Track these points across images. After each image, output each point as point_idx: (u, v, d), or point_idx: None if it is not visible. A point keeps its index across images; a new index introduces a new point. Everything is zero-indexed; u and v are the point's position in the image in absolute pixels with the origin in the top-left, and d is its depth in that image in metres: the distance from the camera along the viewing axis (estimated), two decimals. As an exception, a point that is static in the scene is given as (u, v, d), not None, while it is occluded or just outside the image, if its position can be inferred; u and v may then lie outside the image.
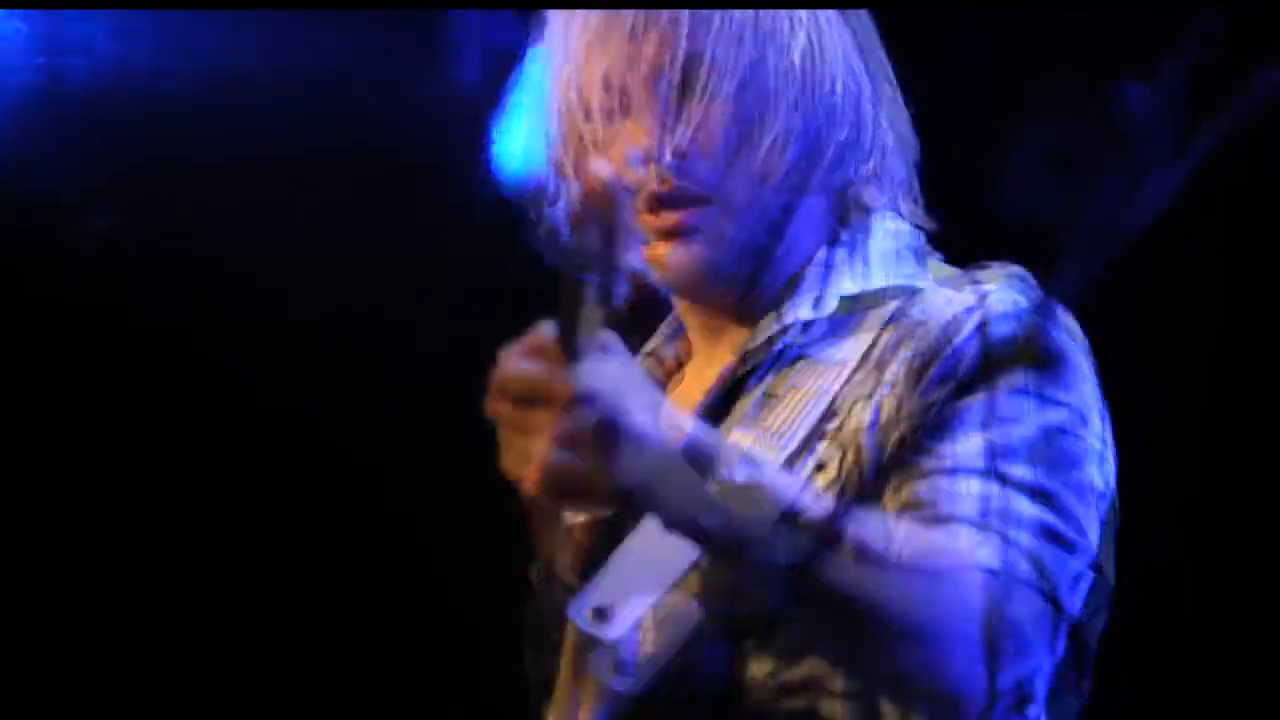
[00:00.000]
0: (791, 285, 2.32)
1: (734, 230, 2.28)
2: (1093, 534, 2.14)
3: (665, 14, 2.28)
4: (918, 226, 2.38)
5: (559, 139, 2.34)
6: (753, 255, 2.31)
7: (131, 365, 4.57)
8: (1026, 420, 2.13)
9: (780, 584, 1.92)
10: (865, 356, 2.25)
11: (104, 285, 4.47)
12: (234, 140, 4.44)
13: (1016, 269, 2.27)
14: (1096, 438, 2.18)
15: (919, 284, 2.31)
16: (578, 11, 2.32)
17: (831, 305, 2.30)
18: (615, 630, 2.17)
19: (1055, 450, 2.13)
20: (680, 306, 2.41)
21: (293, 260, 4.40)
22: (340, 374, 4.49)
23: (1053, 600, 2.07)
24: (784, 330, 2.29)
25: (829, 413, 2.21)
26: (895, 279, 2.32)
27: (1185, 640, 3.80)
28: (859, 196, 2.35)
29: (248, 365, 4.54)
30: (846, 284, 2.31)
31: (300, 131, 4.37)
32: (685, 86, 2.28)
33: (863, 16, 2.38)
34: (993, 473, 2.09)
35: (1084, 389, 2.19)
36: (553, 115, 2.35)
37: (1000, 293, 2.21)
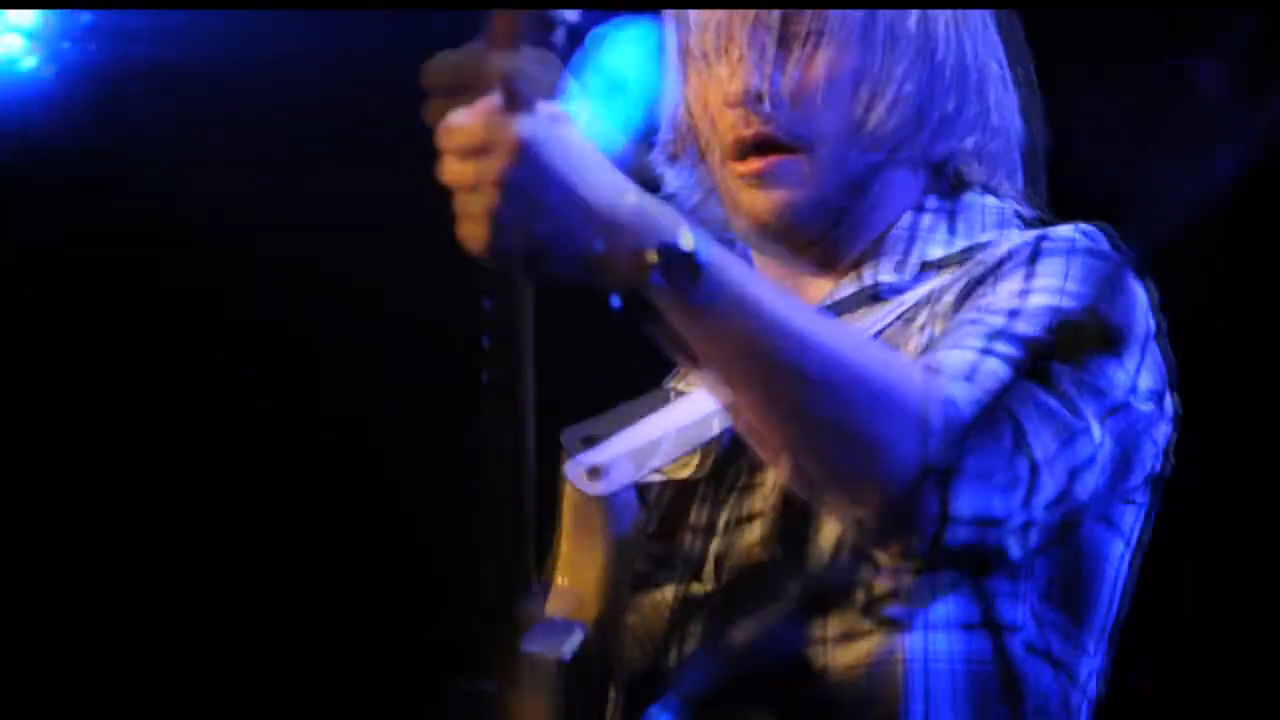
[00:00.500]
0: (875, 247, 2.31)
1: (819, 184, 2.27)
2: (1095, 427, 2.08)
3: None
4: (1017, 212, 2.36)
5: (676, 83, 2.35)
6: (836, 212, 2.29)
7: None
8: (1054, 304, 2.11)
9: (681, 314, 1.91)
10: (928, 295, 2.24)
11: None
12: (298, 129, 4.47)
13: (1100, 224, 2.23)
14: (1131, 357, 2.14)
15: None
16: None
17: (913, 271, 2.29)
18: (605, 488, 2.19)
19: (1074, 338, 2.10)
20: (758, 259, 2.38)
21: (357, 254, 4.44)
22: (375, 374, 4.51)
23: (1027, 454, 2.01)
24: (862, 291, 2.29)
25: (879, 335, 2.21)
26: (977, 241, 2.30)
27: (1185, 641, 3.81)
28: (958, 169, 2.33)
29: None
30: (931, 250, 2.30)
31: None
32: (787, 35, 2.28)
33: None
34: (1002, 333, 2.07)
35: (1130, 315, 2.15)
36: (670, 59, 2.35)
37: (1067, 226, 2.21)
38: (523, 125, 1.85)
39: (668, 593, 2.25)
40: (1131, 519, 2.23)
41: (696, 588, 2.24)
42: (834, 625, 2.13)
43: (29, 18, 4.56)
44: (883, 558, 2.04)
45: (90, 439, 4.64)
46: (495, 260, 1.87)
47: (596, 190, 1.88)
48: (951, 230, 2.31)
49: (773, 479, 2.20)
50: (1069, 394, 2.05)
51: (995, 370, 2.02)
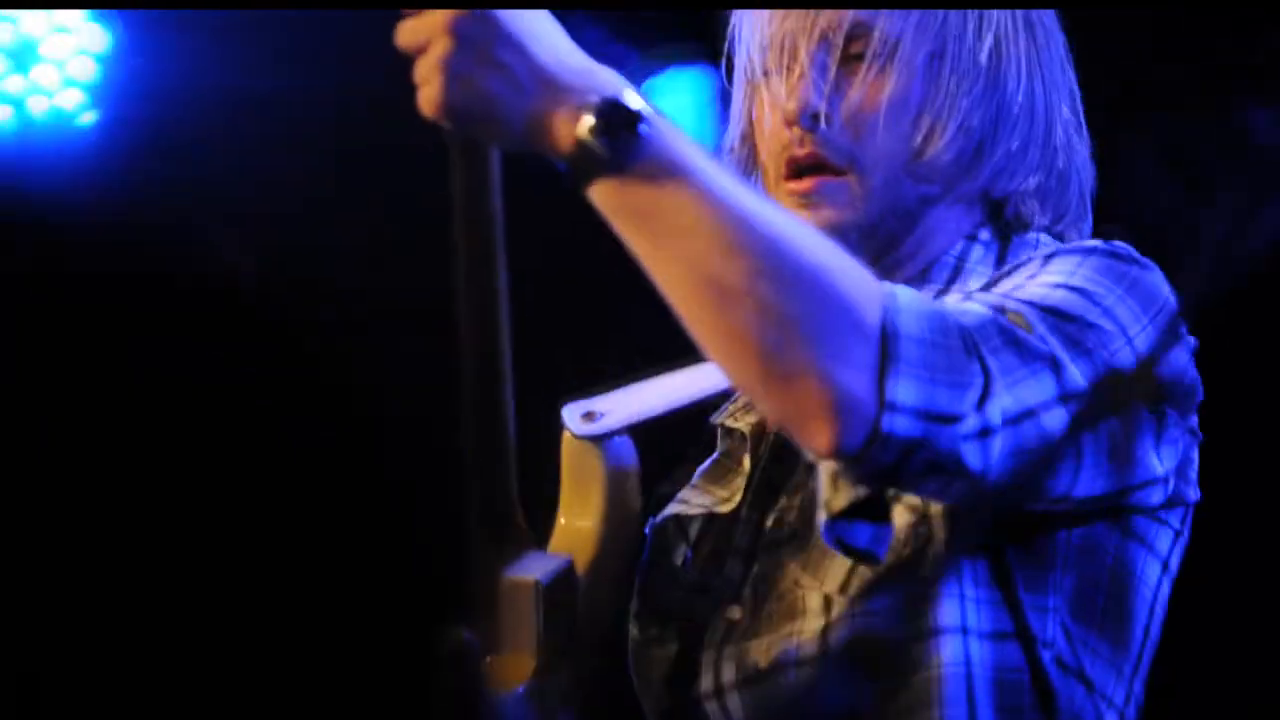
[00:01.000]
0: (921, 276, 2.28)
1: (867, 209, 2.25)
2: (1070, 367, 2.00)
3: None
4: None
5: (738, 94, 2.35)
6: (884, 239, 2.26)
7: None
8: (1064, 281, 2.08)
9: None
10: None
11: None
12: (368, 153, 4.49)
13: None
14: (1139, 333, 2.07)
15: None
16: None
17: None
18: (596, 428, 2.19)
19: (1067, 308, 2.05)
20: None
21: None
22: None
23: (980, 361, 1.94)
24: None
25: None
26: None
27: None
28: (1019, 211, 2.31)
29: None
30: (974, 286, 2.26)
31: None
32: (850, 57, 2.26)
33: (1053, 37, 2.33)
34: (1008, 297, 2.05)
35: (1147, 301, 2.07)
36: (737, 69, 2.34)
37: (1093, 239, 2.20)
38: None
39: (706, 618, 2.25)
40: (1166, 542, 2.20)
41: (734, 612, 2.24)
42: (868, 638, 2.11)
43: (89, 72, 4.59)
44: (827, 459, 1.91)
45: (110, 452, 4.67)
46: (447, 118, 1.88)
47: (544, 46, 1.89)
48: (998, 269, 2.27)
49: (806, 498, 2.19)
50: (1043, 334, 2.00)
51: (965, 306, 2.00)
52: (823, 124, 2.25)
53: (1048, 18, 2.34)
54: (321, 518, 4.66)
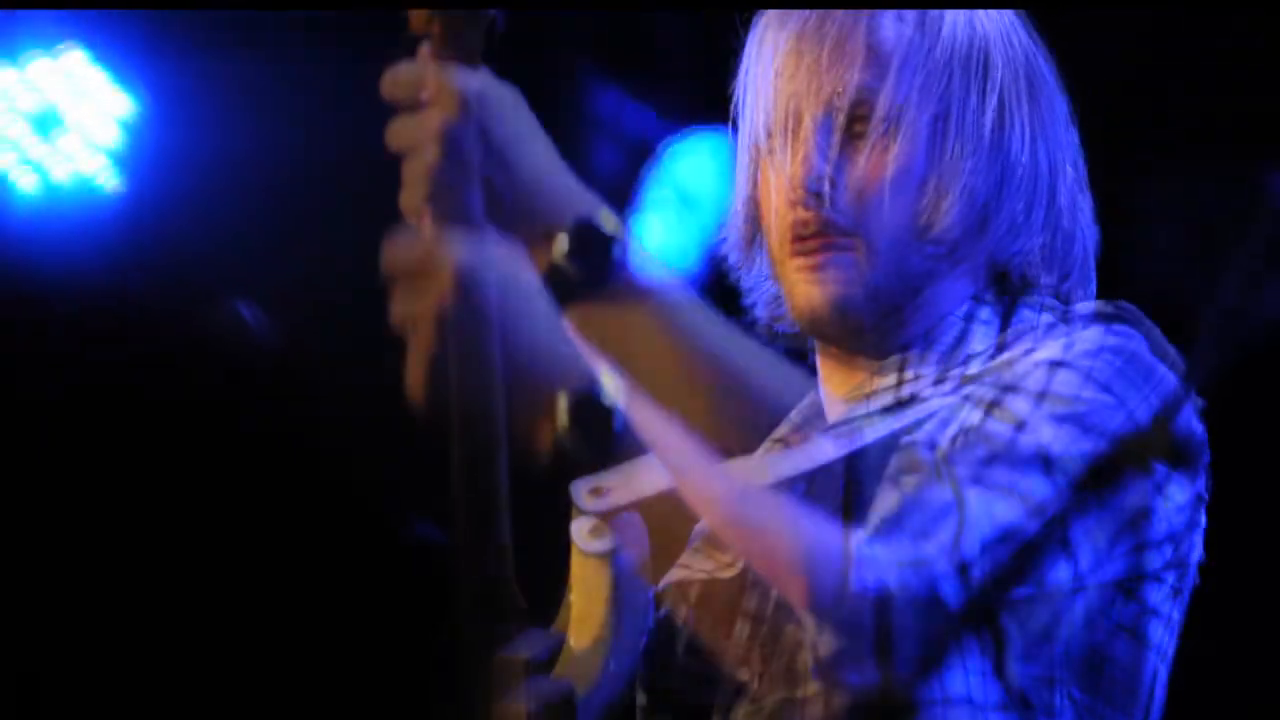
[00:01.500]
0: (921, 344, 2.26)
1: (873, 278, 2.23)
2: (1048, 432, 2.02)
3: (858, 49, 2.24)
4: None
5: (742, 158, 2.33)
6: (888, 307, 2.24)
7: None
8: (1061, 356, 2.08)
9: None
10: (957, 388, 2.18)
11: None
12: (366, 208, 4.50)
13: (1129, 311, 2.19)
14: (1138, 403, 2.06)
15: None
16: (781, 32, 2.28)
17: (952, 385, 2.20)
18: (602, 505, 2.14)
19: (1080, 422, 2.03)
20: (816, 341, 2.33)
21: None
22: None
23: (950, 483, 1.97)
24: (894, 393, 2.23)
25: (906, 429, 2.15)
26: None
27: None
28: (1024, 271, 2.28)
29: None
30: (974, 365, 2.22)
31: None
32: (855, 124, 2.25)
33: (1056, 96, 2.31)
34: (979, 399, 2.06)
35: (1136, 395, 2.07)
36: (742, 134, 2.33)
37: (1093, 330, 2.15)
38: (462, 255, 1.88)
39: (714, 682, 2.23)
40: (1169, 602, 2.16)
41: (742, 673, 2.21)
42: (873, 704, 2.09)
43: (112, 138, 4.61)
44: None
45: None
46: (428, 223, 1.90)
47: (528, 164, 1.93)
48: (1001, 331, 2.25)
49: None
50: (1035, 424, 2.01)
51: (947, 420, 2.05)
52: (828, 194, 2.23)
53: (1050, 76, 2.33)
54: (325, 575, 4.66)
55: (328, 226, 4.52)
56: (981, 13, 2.29)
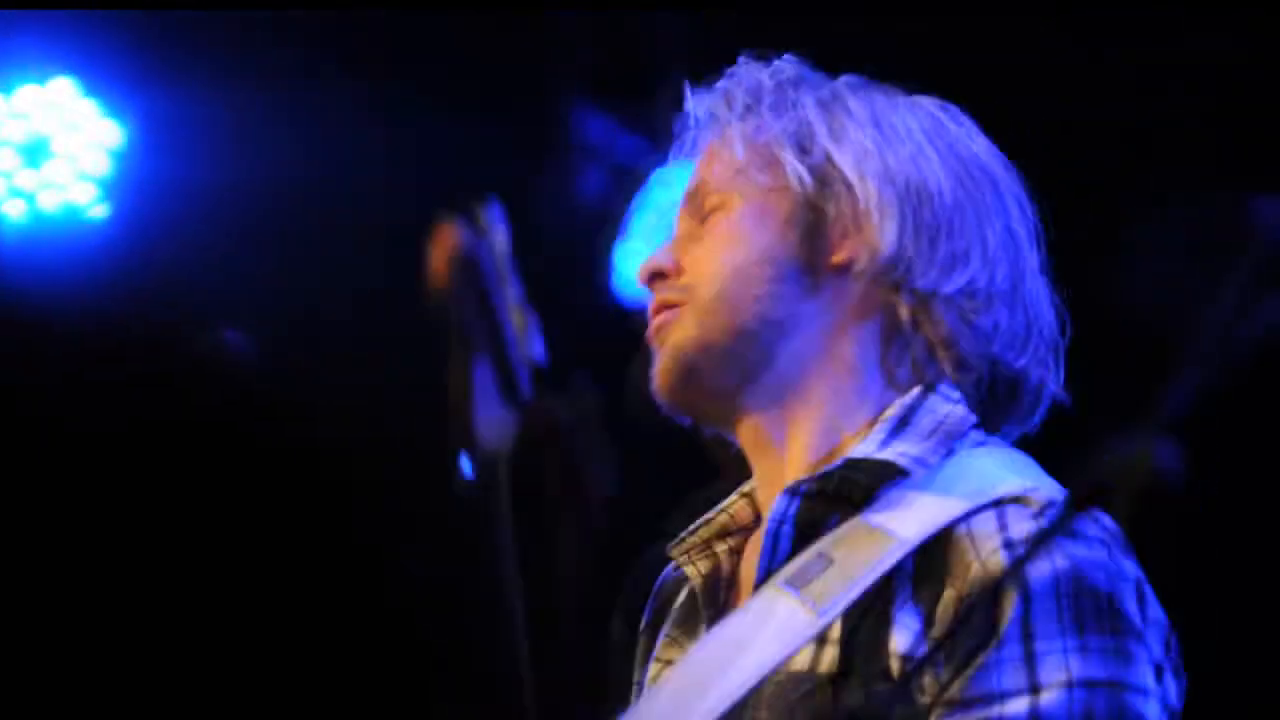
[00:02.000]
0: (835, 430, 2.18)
1: (704, 328, 2.20)
2: None
3: (720, 138, 2.26)
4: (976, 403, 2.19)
5: None
6: (728, 358, 2.19)
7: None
8: (1068, 686, 1.95)
9: None
10: (911, 562, 2.03)
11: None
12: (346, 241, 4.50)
13: (1061, 500, 2.02)
14: (1148, 677, 1.99)
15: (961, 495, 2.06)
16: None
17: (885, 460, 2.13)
18: None
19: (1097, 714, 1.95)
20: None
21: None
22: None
23: None
24: (829, 475, 2.12)
25: (858, 612, 2.02)
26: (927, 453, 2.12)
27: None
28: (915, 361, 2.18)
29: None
30: (903, 446, 2.13)
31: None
32: (694, 208, 2.27)
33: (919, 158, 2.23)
34: None
35: (1131, 629, 1.99)
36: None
37: (1044, 561, 1.99)
38: None
39: None
40: None
41: None
42: None
43: (102, 168, 4.61)
44: None
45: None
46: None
47: None
48: (906, 430, 2.15)
49: None
50: None
51: None
52: (654, 273, 2.25)
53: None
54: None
55: (316, 254, 4.52)
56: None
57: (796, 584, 2.05)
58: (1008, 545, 1.99)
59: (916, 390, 2.16)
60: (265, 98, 4.51)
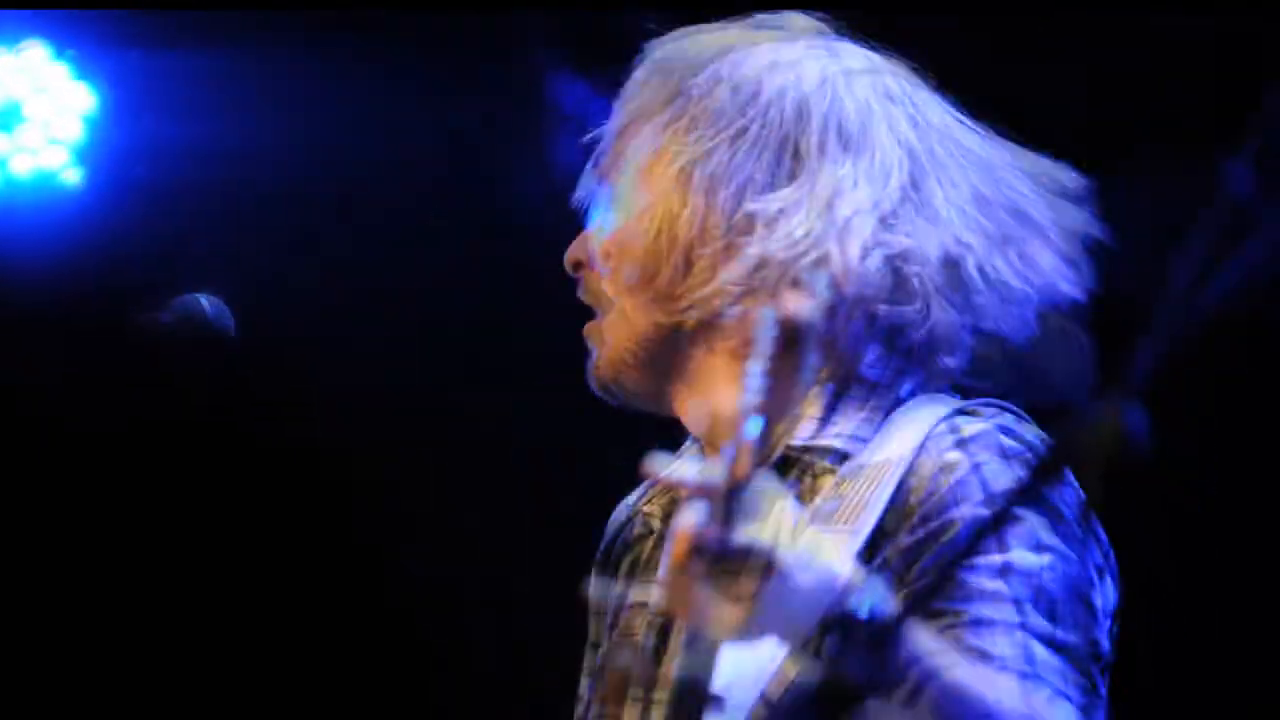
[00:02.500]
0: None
1: (626, 345, 2.26)
2: (1100, 667, 2.11)
3: (621, 117, 2.29)
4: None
5: None
6: (654, 364, 2.26)
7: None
8: (1038, 571, 2.07)
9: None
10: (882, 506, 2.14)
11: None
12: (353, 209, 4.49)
13: (998, 408, 2.19)
14: (1093, 565, 2.13)
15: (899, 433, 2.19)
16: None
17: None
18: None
19: (1063, 597, 2.08)
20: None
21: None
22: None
23: None
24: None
25: None
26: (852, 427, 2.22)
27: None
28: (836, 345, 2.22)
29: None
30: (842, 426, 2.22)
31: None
32: (606, 196, 2.31)
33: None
34: (1023, 627, 2.05)
35: (1075, 526, 2.12)
36: None
37: (987, 446, 2.14)
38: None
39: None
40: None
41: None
42: None
43: (74, 133, 4.60)
44: None
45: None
46: (726, 634, 1.91)
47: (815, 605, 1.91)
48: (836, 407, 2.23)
49: None
50: (1087, 663, 2.07)
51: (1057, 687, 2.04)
52: (581, 268, 2.30)
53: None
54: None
55: (291, 220, 4.51)
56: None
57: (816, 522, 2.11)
58: (960, 444, 2.12)
59: (842, 365, 2.22)
60: (238, 62, 4.49)
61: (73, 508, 4.65)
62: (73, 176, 4.58)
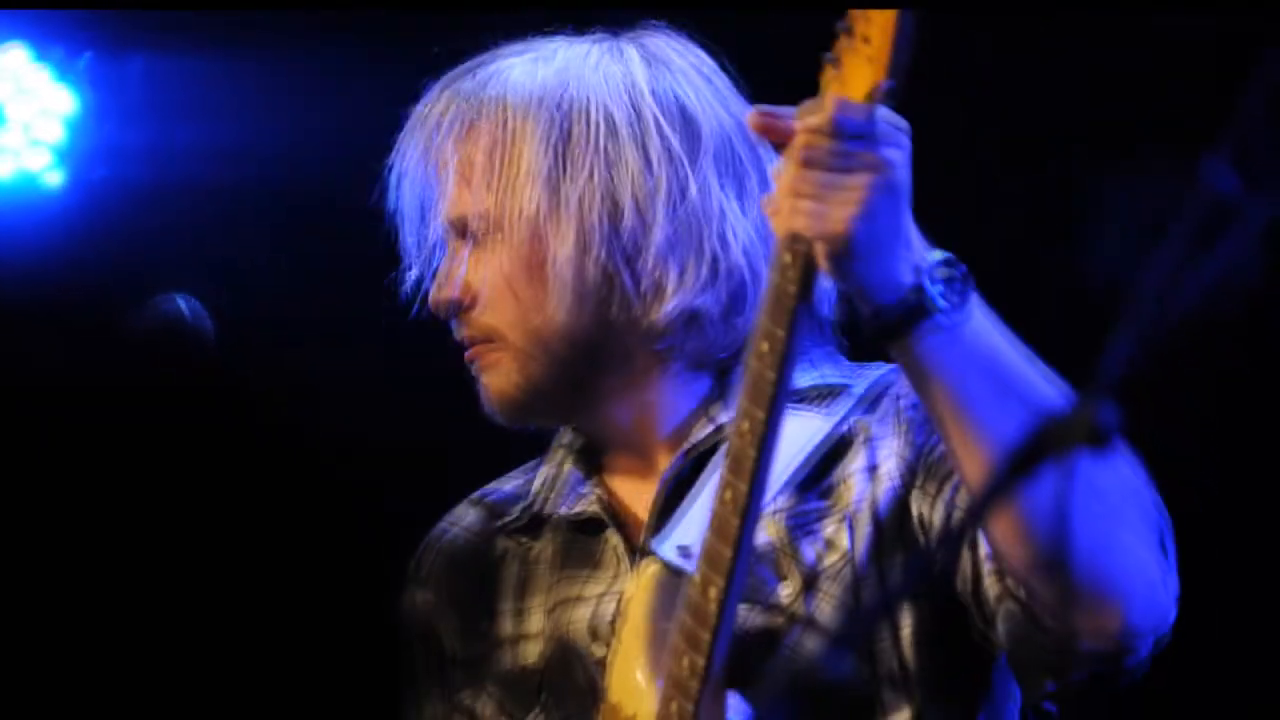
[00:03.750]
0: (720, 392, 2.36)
1: (526, 373, 2.35)
2: None
3: (458, 159, 2.35)
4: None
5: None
6: (560, 388, 2.35)
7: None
8: None
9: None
10: (830, 438, 2.30)
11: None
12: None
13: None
14: None
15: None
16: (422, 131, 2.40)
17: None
18: (688, 566, 2.19)
19: None
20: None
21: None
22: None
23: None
24: (720, 429, 2.32)
25: (823, 485, 2.27)
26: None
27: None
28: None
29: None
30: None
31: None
32: (467, 235, 2.37)
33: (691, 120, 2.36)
34: None
35: None
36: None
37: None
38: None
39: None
40: None
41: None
42: None
43: (56, 134, 4.59)
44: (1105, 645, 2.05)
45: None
46: (831, 242, 1.95)
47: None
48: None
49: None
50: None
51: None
52: (451, 307, 2.39)
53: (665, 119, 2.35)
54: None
55: (274, 222, 4.50)
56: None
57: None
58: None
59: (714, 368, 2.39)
60: (220, 65, 4.49)
61: (53, 508, 4.64)
62: (54, 179, 4.57)
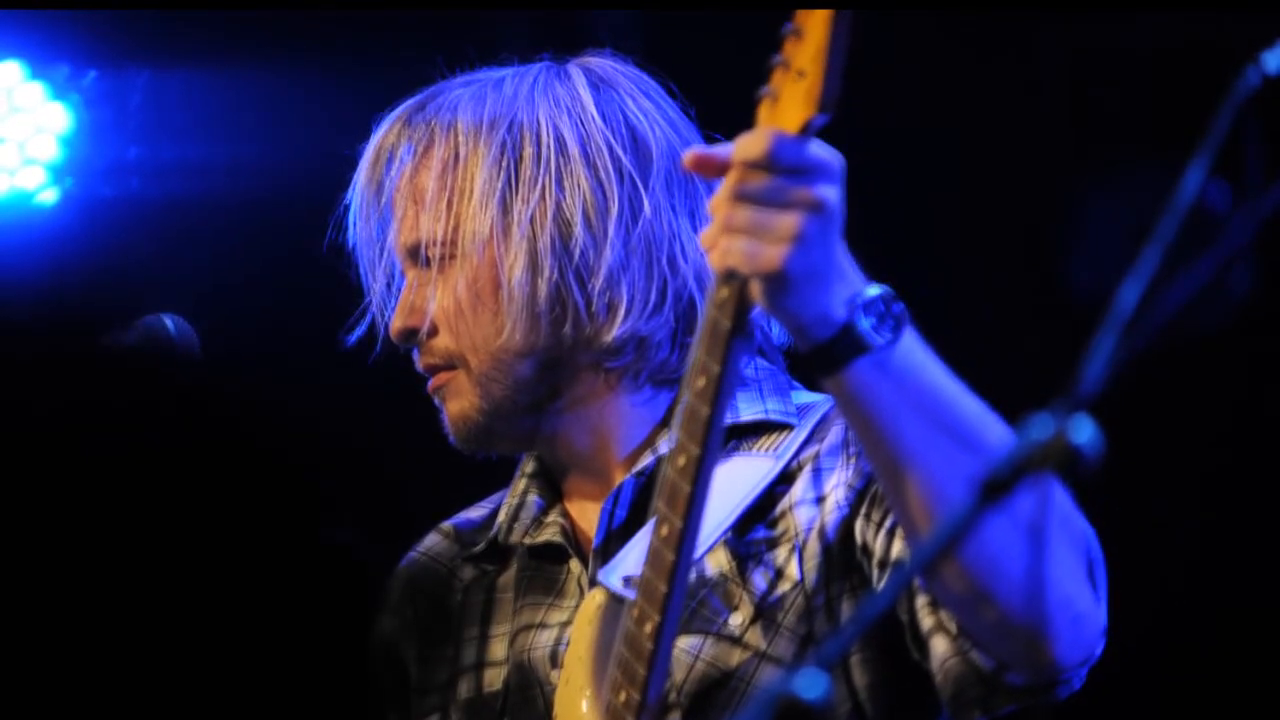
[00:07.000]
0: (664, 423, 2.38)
1: (486, 396, 2.38)
2: None
3: (411, 186, 2.38)
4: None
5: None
6: (527, 409, 2.38)
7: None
8: None
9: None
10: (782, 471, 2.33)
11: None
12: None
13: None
14: None
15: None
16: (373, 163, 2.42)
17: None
18: (630, 594, 2.20)
19: None
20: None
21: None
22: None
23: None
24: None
25: (771, 516, 2.30)
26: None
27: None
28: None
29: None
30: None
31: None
32: (421, 260, 2.40)
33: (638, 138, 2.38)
34: None
35: None
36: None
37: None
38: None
39: None
40: None
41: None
42: None
43: (50, 152, 4.58)
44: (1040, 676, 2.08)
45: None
46: (765, 278, 1.94)
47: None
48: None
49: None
50: None
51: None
52: (408, 336, 2.43)
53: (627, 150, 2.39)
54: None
55: (267, 238, 4.50)
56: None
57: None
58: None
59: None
60: (214, 82, 4.49)
61: (40, 526, 4.63)
62: (49, 197, 4.57)
